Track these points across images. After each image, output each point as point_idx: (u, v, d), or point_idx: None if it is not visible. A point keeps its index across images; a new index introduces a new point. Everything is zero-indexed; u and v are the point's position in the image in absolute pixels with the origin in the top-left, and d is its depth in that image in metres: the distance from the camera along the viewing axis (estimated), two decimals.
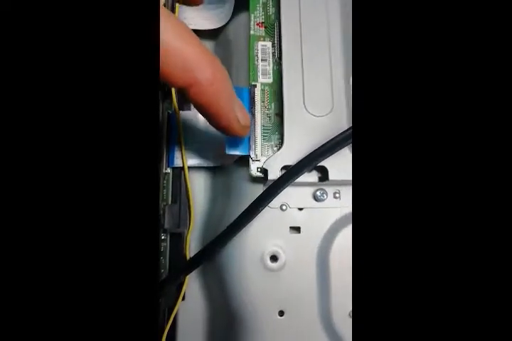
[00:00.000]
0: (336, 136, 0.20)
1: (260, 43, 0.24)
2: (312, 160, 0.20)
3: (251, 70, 0.23)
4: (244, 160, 0.22)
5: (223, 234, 0.21)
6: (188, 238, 0.24)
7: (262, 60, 0.24)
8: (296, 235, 0.22)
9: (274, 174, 0.21)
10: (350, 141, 0.20)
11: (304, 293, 0.21)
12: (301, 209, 0.22)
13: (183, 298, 0.23)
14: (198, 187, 0.25)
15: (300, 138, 0.21)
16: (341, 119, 0.22)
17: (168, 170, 0.24)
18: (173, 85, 0.16)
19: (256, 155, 0.22)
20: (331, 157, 0.21)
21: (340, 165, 0.21)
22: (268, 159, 0.21)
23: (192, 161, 0.24)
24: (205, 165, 0.24)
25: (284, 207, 0.22)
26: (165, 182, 0.24)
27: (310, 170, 0.22)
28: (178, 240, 0.24)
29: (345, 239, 0.22)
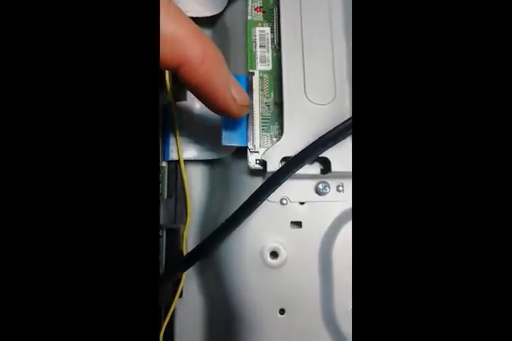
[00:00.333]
0: (339, 125, 0.20)
1: (258, 29, 0.24)
2: (314, 151, 0.20)
3: (249, 57, 0.23)
4: (242, 152, 0.22)
5: (221, 229, 0.20)
6: (184, 233, 0.24)
7: (260, 47, 0.23)
8: (297, 230, 0.21)
9: (273, 166, 0.21)
10: None
11: (305, 290, 0.21)
12: (302, 203, 0.22)
13: (181, 295, 0.23)
14: (195, 180, 0.25)
15: (301, 128, 0.21)
16: (344, 108, 0.22)
17: (164, 164, 0.24)
18: (164, 67, 0.16)
19: (254, 146, 0.21)
20: (333, 148, 0.20)
21: (344, 156, 0.21)
22: (267, 150, 0.21)
23: (188, 154, 0.24)
24: (202, 158, 0.24)
25: (284, 201, 0.21)
26: (160, 176, 0.24)
27: (311, 162, 0.21)
28: (174, 236, 0.24)
29: (348, 234, 0.21)
